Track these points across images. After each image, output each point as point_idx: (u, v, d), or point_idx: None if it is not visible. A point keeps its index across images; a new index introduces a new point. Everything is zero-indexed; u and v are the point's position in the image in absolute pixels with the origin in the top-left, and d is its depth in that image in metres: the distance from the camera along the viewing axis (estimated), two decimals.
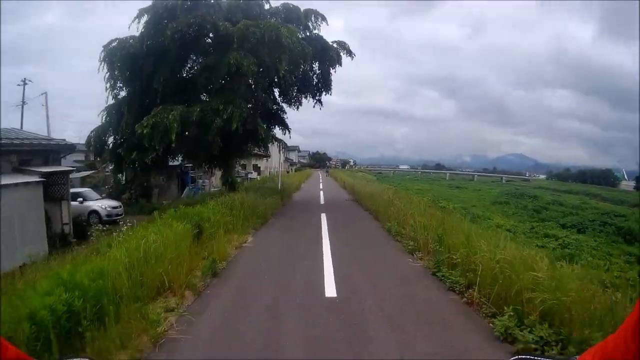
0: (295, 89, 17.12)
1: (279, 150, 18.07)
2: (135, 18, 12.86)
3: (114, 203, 15.02)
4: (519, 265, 3.81)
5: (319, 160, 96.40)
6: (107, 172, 20.90)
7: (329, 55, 16.14)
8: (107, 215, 13.92)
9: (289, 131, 17.71)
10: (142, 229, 5.77)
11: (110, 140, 14.49)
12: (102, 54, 13.08)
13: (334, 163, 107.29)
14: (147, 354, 3.07)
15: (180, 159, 17.17)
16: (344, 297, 4.45)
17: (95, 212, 13.97)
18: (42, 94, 27.16)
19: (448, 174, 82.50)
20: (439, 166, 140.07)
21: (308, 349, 3.19)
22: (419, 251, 6.53)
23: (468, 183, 59.22)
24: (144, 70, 13.08)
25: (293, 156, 73.11)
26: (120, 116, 13.58)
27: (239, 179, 29.29)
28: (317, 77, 17.24)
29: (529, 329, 3.16)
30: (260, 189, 15.24)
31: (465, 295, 4.33)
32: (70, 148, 11.95)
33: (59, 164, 11.23)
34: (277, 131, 17.77)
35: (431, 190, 37.33)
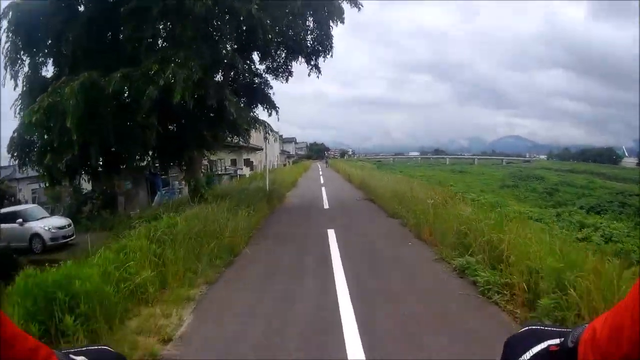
0: (282, 51, 12.75)
1: (264, 136, 13.44)
2: None
3: (61, 221, 11.55)
4: None
5: (317, 152, 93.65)
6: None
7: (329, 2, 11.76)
8: (52, 239, 10.88)
9: (277, 111, 13.31)
10: None
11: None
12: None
13: (333, 153, 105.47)
14: None
15: (147, 159, 12.69)
16: None
17: (37, 235, 10.84)
18: None
19: (448, 159, 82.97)
20: (438, 151, 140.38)
21: None
22: None
23: (470, 167, 60.92)
24: (50, 31, 9.12)
25: (290, 148, 69.38)
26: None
27: (225, 177, 24.10)
28: (312, 36, 12.86)
29: None
30: (243, 191, 10.97)
31: None
32: None
33: None
34: (264, 114, 13.48)
35: (435, 176, 35.72)
